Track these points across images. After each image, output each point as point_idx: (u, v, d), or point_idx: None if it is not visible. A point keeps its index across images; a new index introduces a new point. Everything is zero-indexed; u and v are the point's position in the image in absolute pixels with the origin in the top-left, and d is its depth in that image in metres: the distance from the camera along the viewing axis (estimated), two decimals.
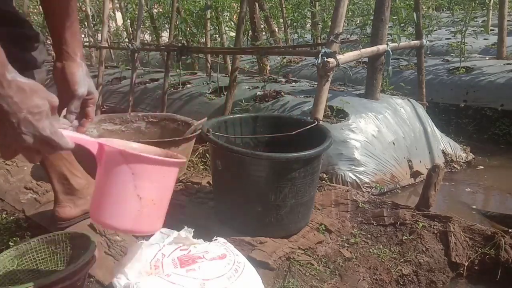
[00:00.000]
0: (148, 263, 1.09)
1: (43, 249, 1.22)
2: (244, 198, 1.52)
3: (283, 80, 3.48)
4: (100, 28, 3.87)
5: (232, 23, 4.42)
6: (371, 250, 1.54)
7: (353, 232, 1.66)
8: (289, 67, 4.72)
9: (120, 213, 0.77)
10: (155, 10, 4.97)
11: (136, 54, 3.46)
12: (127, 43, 4.02)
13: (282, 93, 2.92)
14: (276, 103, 2.77)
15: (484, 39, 5.25)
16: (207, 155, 2.36)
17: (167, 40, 3.58)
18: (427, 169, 2.14)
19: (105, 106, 3.80)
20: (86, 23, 5.20)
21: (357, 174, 2.22)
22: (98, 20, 5.40)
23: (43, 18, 4.72)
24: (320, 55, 2.06)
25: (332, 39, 2.11)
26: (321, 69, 2.08)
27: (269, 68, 3.85)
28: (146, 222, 0.80)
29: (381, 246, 1.58)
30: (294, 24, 4.83)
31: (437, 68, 3.90)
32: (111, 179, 0.77)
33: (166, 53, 3.26)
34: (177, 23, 3.57)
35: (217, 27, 4.04)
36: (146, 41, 5.61)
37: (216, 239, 1.25)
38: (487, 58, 4.09)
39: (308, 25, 5.06)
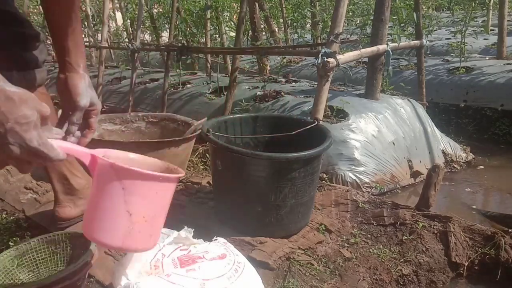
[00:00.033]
0: (148, 263, 1.09)
1: (43, 249, 1.22)
2: (244, 198, 1.52)
3: (283, 80, 3.48)
4: (100, 28, 3.87)
5: (232, 23, 4.42)
6: (371, 250, 1.54)
7: (353, 232, 1.66)
8: (289, 67, 4.72)
9: (110, 229, 0.74)
10: (155, 10, 4.97)
11: (136, 54, 3.46)
12: (127, 43, 4.02)
13: (282, 93, 2.92)
14: (276, 103, 2.77)
15: (484, 39, 5.25)
16: (207, 155, 2.36)
17: (167, 40, 3.58)
18: (427, 169, 2.14)
19: (105, 106, 3.80)
20: (86, 23, 5.19)
21: (357, 174, 2.22)
22: (98, 20, 5.40)
23: (43, 18, 4.72)
24: (320, 55, 2.06)
25: (332, 39, 2.11)
26: (321, 69, 2.08)
27: (269, 68, 3.85)
28: (138, 240, 0.76)
29: (381, 246, 1.58)
30: (294, 24, 4.83)
31: (437, 68, 3.90)
32: (101, 193, 0.74)
33: (166, 53, 3.26)
34: (177, 23, 3.57)
35: (217, 27, 4.04)
36: (146, 41, 5.62)
37: (216, 239, 1.25)
38: (487, 58, 4.10)
39: (308, 25, 5.06)
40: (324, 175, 2.21)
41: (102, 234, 0.74)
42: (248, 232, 1.52)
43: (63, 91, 0.91)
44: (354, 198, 1.86)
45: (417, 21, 2.94)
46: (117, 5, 6.27)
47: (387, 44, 2.61)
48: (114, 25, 6.35)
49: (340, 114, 2.49)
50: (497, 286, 1.49)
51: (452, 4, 6.34)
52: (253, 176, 1.45)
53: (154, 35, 5.48)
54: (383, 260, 1.48)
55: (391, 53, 2.64)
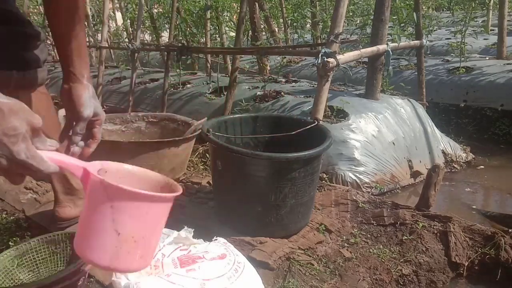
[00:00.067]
0: None
1: (43, 249, 1.22)
2: (244, 198, 1.52)
3: (283, 80, 3.48)
4: (100, 28, 3.87)
5: (232, 23, 4.42)
6: (371, 250, 1.54)
7: (353, 232, 1.66)
8: (289, 67, 4.72)
9: (97, 248, 0.71)
10: (155, 10, 4.97)
11: (136, 54, 3.46)
12: (127, 43, 4.03)
13: (282, 93, 2.92)
14: (276, 103, 2.76)
15: (484, 39, 5.26)
16: (207, 155, 2.36)
17: (167, 40, 3.58)
18: (427, 169, 2.14)
19: (105, 106, 3.80)
20: (86, 23, 5.19)
21: (357, 174, 2.22)
22: (98, 20, 5.40)
23: (43, 18, 4.72)
24: (320, 55, 2.06)
25: (332, 39, 2.11)
26: (321, 69, 2.08)
27: (269, 68, 3.85)
28: (126, 261, 0.72)
29: (381, 246, 1.57)
30: (294, 24, 4.83)
31: (437, 68, 3.90)
32: (90, 209, 0.72)
33: (166, 53, 3.26)
34: (177, 23, 3.57)
35: (217, 27, 4.04)
36: (146, 41, 5.62)
37: (216, 239, 1.25)
38: (487, 58, 4.10)
39: (308, 25, 5.06)
40: (324, 175, 2.21)
41: (90, 252, 0.72)
42: (248, 232, 1.52)
43: (67, 101, 0.92)
44: (354, 198, 1.86)
45: (417, 21, 2.94)
46: (117, 5, 6.27)
47: (387, 44, 2.61)
48: (114, 25, 6.35)
49: (340, 114, 2.49)
50: (497, 286, 1.49)
51: (452, 4, 6.35)
52: (253, 176, 1.45)
53: (154, 35, 5.49)
54: (383, 260, 1.48)
55: (391, 53, 2.64)
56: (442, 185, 1.99)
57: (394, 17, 3.28)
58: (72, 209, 1.50)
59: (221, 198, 1.65)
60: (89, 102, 0.92)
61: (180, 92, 3.40)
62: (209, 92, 3.26)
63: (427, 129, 2.74)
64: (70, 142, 0.90)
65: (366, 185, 2.21)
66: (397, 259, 1.50)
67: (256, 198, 1.48)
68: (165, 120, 2.24)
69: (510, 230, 1.60)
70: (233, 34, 4.26)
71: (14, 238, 1.52)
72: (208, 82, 3.46)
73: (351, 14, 4.76)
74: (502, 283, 1.49)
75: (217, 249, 1.18)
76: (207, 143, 1.80)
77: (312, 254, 1.47)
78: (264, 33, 4.31)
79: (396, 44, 2.72)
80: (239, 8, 2.87)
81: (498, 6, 4.31)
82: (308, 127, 1.70)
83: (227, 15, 4.39)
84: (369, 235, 1.65)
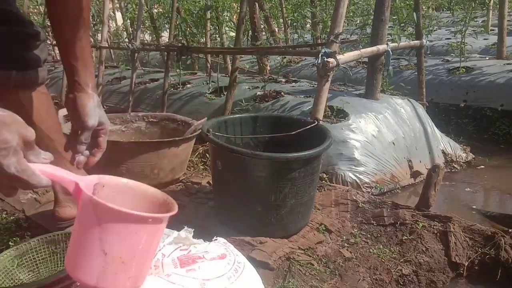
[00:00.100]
0: None
1: (43, 249, 1.22)
2: (244, 198, 1.52)
3: (283, 80, 3.48)
4: (100, 28, 3.87)
5: (232, 23, 4.42)
6: (371, 250, 1.54)
7: (353, 232, 1.66)
8: (289, 67, 4.71)
9: (84, 266, 0.69)
10: (155, 10, 4.97)
11: (136, 54, 3.46)
12: (127, 43, 4.02)
13: (282, 93, 2.92)
14: (276, 103, 2.76)
15: (484, 39, 5.26)
16: (207, 155, 2.36)
17: (167, 40, 3.58)
18: (427, 169, 2.14)
19: (105, 106, 3.80)
20: None
21: (357, 174, 2.22)
22: (98, 20, 5.39)
23: (43, 18, 4.72)
24: (320, 55, 2.06)
25: (332, 39, 2.11)
26: (321, 69, 2.08)
27: (269, 68, 3.85)
28: (113, 282, 0.70)
29: (381, 246, 1.57)
30: (294, 24, 4.83)
31: (437, 68, 3.90)
32: (80, 226, 0.70)
33: (166, 53, 3.26)
34: (177, 23, 3.57)
35: (217, 27, 4.04)
36: (146, 41, 5.61)
37: (216, 239, 1.25)
38: (487, 58, 4.09)
39: (308, 25, 5.06)
40: (324, 175, 2.21)
41: (77, 270, 0.70)
42: (248, 232, 1.52)
43: (72, 110, 0.92)
44: (354, 198, 1.86)
45: (417, 21, 2.94)
46: (117, 5, 6.27)
47: (387, 44, 2.60)
48: (114, 25, 6.35)
49: (340, 114, 2.49)
50: (497, 286, 1.49)
51: (452, 4, 6.34)
52: (253, 176, 1.45)
53: (154, 35, 5.48)
54: (383, 260, 1.48)
55: (391, 53, 2.64)
56: (442, 185, 1.99)
57: (394, 17, 3.28)
58: (72, 209, 1.50)
59: (221, 198, 1.65)
60: (94, 111, 0.92)
61: (180, 92, 3.40)
62: (209, 92, 3.26)
63: (427, 129, 2.74)
64: (75, 151, 0.91)
65: (366, 185, 2.21)
66: (397, 259, 1.50)
67: (256, 198, 1.48)
68: (165, 120, 2.24)
69: (510, 230, 1.60)
70: (233, 34, 4.26)
71: (14, 238, 1.52)
72: (208, 82, 3.46)
73: (351, 14, 4.76)
74: (502, 283, 1.49)
75: (217, 249, 1.18)
76: (207, 143, 1.80)
77: (312, 254, 1.47)
78: (264, 33, 4.31)
79: (396, 44, 2.72)
80: (239, 8, 2.86)
81: (498, 6, 4.31)
82: (308, 127, 1.70)
83: (227, 15, 4.39)
84: (369, 235, 1.65)
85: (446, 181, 2.45)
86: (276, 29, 4.82)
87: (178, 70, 3.57)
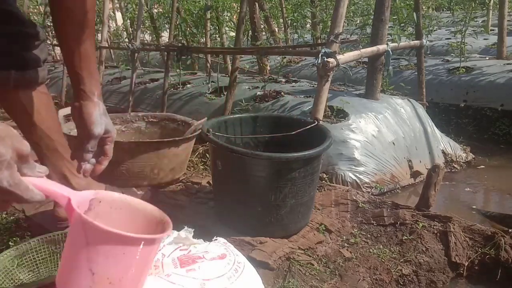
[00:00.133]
0: None
1: (43, 249, 1.22)
2: (244, 198, 1.52)
3: (283, 80, 3.48)
4: (100, 28, 3.87)
5: (232, 23, 4.42)
6: (371, 250, 1.54)
7: (353, 232, 1.66)
8: (289, 67, 4.72)
9: (72, 285, 0.68)
10: (155, 10, 4.97)
11: (136, 54, 3.46)
12: (127, 43, 4.02)
13: (282, 93, 2.92)
14: (276, 103, 2.76)
15: (484, 39, 5.25)
16: (207, 155, 2.36)
17: (167, 40, 3.58)
18: (427, 169, 2.14)
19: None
20: None
21: (357, 174, 2.22)
22: (98, 20, 5.38)
23: (43, 18, 4.72)
24: (320, 55, 2.06)
25: (332, 39, 2.11)
26: (321, 69, 2.08)
27: (269, 68, 3.85)
28: None
29: (381, 246, 1.57)
30: (294, 24, 4.83)
31: (437, 68, 3.90)
32: (70, 243, 0.69)
33: (166, 53, 3.26)
34: (177, 23, 3.57)
35: (217, 27, 4.04)
36: (146, 41, 5.61)
37: (216, 239, 1.25)
38: (487, 58, 4.09)
39: (308, 25, 5.06)
40: (324, 175, 2.21)
41: (66, 287, 0.68)
42: (248, 232, 1.52)
43: (78, 119, 0.93)
44: (354, 198, 1.86)
45: (417, 21, 2.94)
46: (117, 5, 6.27)
47: (387, 44, 2.60)
48: (114, 25, 6.35)
49: (340, 114, 2.49)
50: (497, 286, 1.49)
51: (452, 4, 6.34)
52: (253, 176, 1.45)
53: (154, 35, 5.48)
54: (383, 260, 1.48)
55: (391, 53, 2.64)
56: (442, 185, 1.99)
57: (394, 17, 3.28)
58: None
59: (221, 198, 1.65)
60: (100, 119, 0.92)
61: (180, 92, 3.40)
62: (209, 92, 3.26)
63: (427, 129, 2.74)
64: (82, 160, 0.90)
65: (366, 185, 2.21)
66: (397, 259, 1.50)
67: (256, 198, 1.48)
68: (165, 120, 2.24)
69: (510, 230, 1.60)
70: (233, 34, 4.26)
71: (14, 238, 1.52)
72: (208, 82, 3.46)
73: (351, 14, 4.76)
74: (502, 283, 1.49)
75: (217, 249, 1.18)
76: (207, 143, 1.80)
77: (312, 254, 1.47)
78: (264, 33, 4.31)
79: (396, 44, 2.72)
80: (239, 8, 2.86)
81: (498, 6, 4.31)
82: (308, 127, 1.70)
83: (227, 15, 4.39)
84: (369, 235, 1.65)
85: (446, 181, 2.45)
86: (276, 29, 4.82)
87: (178, 70, 3.57)
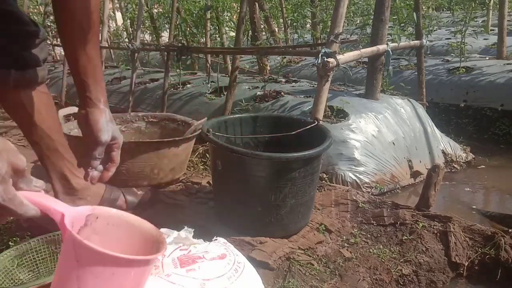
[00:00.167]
0: None
1: (43, 249, 1.22)
2: (244, 198, 1.52)
3: (283, 80, 3.48)
4: (100, 28, 3.87)
5: (232, 23, 4.42)
6: (371, 250, 1.54)
7: (353, 232, 1.66)
8: (289, 67, 4.72)
9: None
10: (155, 10, 4.97)
11: (136, 54, 3.46)
12: (127, 43, 4.02)
13: (282, 93, 2.92)
14: (276, 103, 2.76)
15: (484, 39, 5.25)
16: (207, 155, 2.36)
17: (167, 40, 3.58)
18: (427, 169, 2.14)
19: None
20: None
21: (357, 174, 2.22)
22: None
23: (43, 18, 4.72)
24: (320, 55, 2.06)
25: (332, 39, 2.11)
26: (321, 69, 2.08)
27: (269, 68, 3.85)
28: None
29: (381, 246, 1.57)
30: (294, 24, 4.83)
31: (437, 68, 3.90)
32: (61, 260, 0.68)
33: (166, 53, 3.26)
34: (177, 23, 3.57)
35: (217, 27, 4.04)
36: (146, 41, 5.61)
37: (216, 239, 1.25)
38: (487, 58, 4.09)
39: (308, 25, 5.06)
40: (324, 175, 2.21)
41: None
42: (248, 232, 1.52)
43: (84, 126, 0.93)
44: (354, 198, 1.86)
45: (417, 21, 2.94)
46: (117, 5, 6.27)
47: (387, 44, 2.60)
48: (114, 25, 6.35)
49: (340, 114, 2.49)
50: (497, 286, 1.49)
51: (452, 4, 6.35)
52: (253, 176, 1.45)
53: (154, 35, 5.48)
54: (383, 260, 1.48)
55: (391, 53, 2.64)
56: (442, 185, 1.99)
57: (394, 17, 3.28)
58: None
59: (221, 198, 1.65)
60: (107, 126, 0.92)
61: (180, 92, 3.40)
62: (209, 92, 3.26)
63: (427, 129, 2.74)
64: (89, 167, 0.90)
65: (366, 185, 2.21)
66: (397, 259, 1.50)
67: (256, 198, 1.49)
68: (165, 120, 2.24)
69: (510, 230, 1.60)
70: (233, 34, 4.26)
71: (14, 238, 1.52)
72: (208, 82, 3.46)
73: (351, 14, 4.76)
74: (502, 283, 1.49)
75: (217, 249, 1.18)
76: (207, 143, 1.80)
77: (312, 254, 1.47)
78: (264, 33, 4.31)
79: (396, 44, 2.72)
80: (239, 8, 2.86)
81: (498, 6, 4.31)
82: (308, 127, 1.70)
83: (227, 15, 4.39)
84: (369, 235, 1.65)
85: (446, 181, 2.45)
86: (276, 29, 4.82)
87: (178, 70, 3.57)
